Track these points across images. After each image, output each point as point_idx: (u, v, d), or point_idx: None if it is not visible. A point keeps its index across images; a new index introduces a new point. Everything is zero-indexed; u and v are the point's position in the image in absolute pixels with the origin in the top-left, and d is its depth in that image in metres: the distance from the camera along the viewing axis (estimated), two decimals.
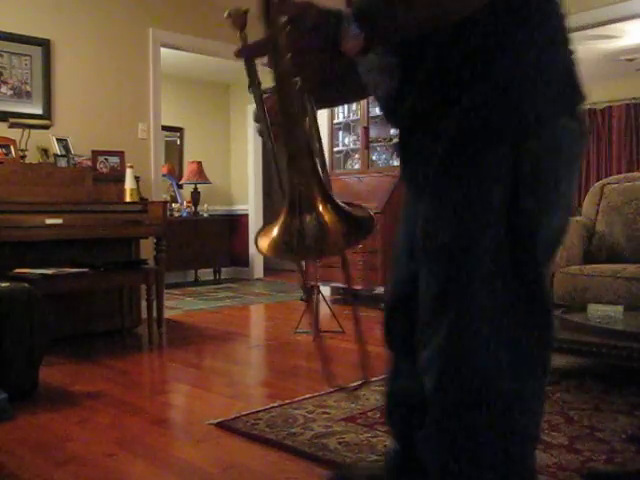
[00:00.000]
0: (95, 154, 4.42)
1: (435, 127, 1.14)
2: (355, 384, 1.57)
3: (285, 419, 2.39)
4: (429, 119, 1.15)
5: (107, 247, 4.28)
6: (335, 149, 6.22)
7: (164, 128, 5.48)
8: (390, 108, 1.25)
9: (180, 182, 7.52)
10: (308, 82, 1.05)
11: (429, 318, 1.16)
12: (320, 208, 0.99)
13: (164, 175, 6.56)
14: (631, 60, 6.90)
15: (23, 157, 4.14)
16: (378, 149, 5.97)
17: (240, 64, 1.10)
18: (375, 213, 4.88)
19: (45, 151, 4.38)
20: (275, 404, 2.58)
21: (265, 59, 1.01)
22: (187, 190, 7.52)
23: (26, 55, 4.44)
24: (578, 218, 3.45)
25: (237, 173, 8.00)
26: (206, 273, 7.67)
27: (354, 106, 6.03)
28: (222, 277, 7.70)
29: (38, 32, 4.47)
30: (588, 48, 6.49)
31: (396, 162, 5.70)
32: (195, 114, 7.78)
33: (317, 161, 1.06)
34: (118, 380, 3.17)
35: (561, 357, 3.28)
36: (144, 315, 4.21)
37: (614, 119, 8.01)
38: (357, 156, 6.05)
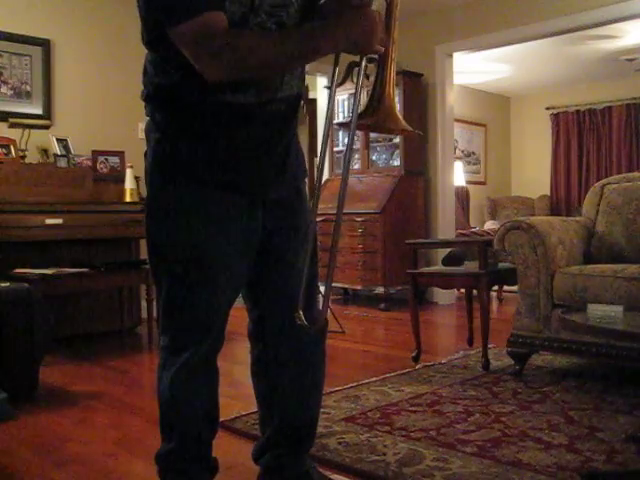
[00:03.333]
0: (95, 154, 4.42)
1: None
2: None
3: None
4: None
5: (107, 247, 4.28)
6: (335, 149, 6.22)
7: None
8: None
9: None
10: None
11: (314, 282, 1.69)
12: None
13: None
14: (631, 60, 6.89)
15: (23, 157, 4.14)
16: (378, 149, 5.97)
17: None
18: (375, 213, 4.89)
19: (45, 151, 4.37)
20: None
21: None
22: None
23: (26, 55, 4.44)
24: (578, 218, 3.44)
25: None
26: None
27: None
28: None
29: (38, 32, 4.47)
30: (588, 48, 6.49)
31: (396, 162, 5.70)
32: None
33: None
34: (118, 380, 3.17)
35: (561, 357, 3.28)
36: (144, 315, 4.21)
37: (614, 119, 8.01)
38: (357, 156, 6.04)
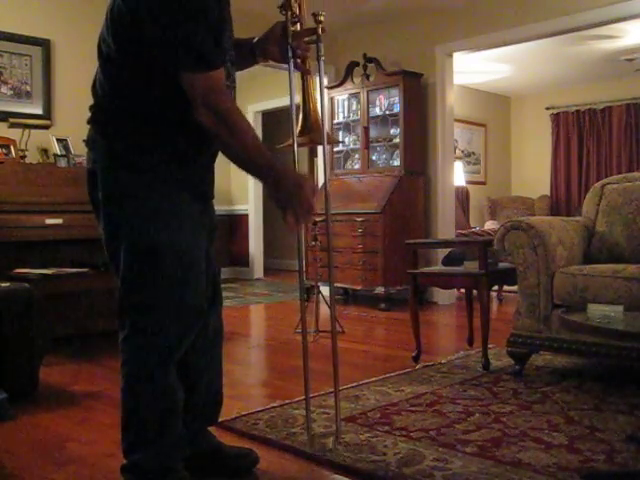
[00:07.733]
0: None
1: None
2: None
3: (285, 419, 2.39)
4: None
5: None
6: (335, 149, 6.22)
7: None
8: None
9: None
10: None
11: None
12: None
13: None
14: (631, 60, 6.89)
15: (23, 157, 4.14)
16: (378, 149, 5.97)
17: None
18: (375, 213, 4.94)
19: (45, 151, 4.37)
20: (275, 404, 2.58)
21: None
22: None
23: (26, 55, 4.44)
24: (578, 218, 3.44)
25: (237, 173, 7.99)
26: None
27: (354, 106, 6.03)
28: (222, 277, 7.68)
29: (38, 32, 4.47)
30: (588, 48, 6.49)
31: (396, 162, 5.70)
32: None
33: None
34: (118, 380, 3.16)
35: (561, 357, 3.28)
36: None
37: (614, 119, 8.01)
38: (357, 156, 6.05)
